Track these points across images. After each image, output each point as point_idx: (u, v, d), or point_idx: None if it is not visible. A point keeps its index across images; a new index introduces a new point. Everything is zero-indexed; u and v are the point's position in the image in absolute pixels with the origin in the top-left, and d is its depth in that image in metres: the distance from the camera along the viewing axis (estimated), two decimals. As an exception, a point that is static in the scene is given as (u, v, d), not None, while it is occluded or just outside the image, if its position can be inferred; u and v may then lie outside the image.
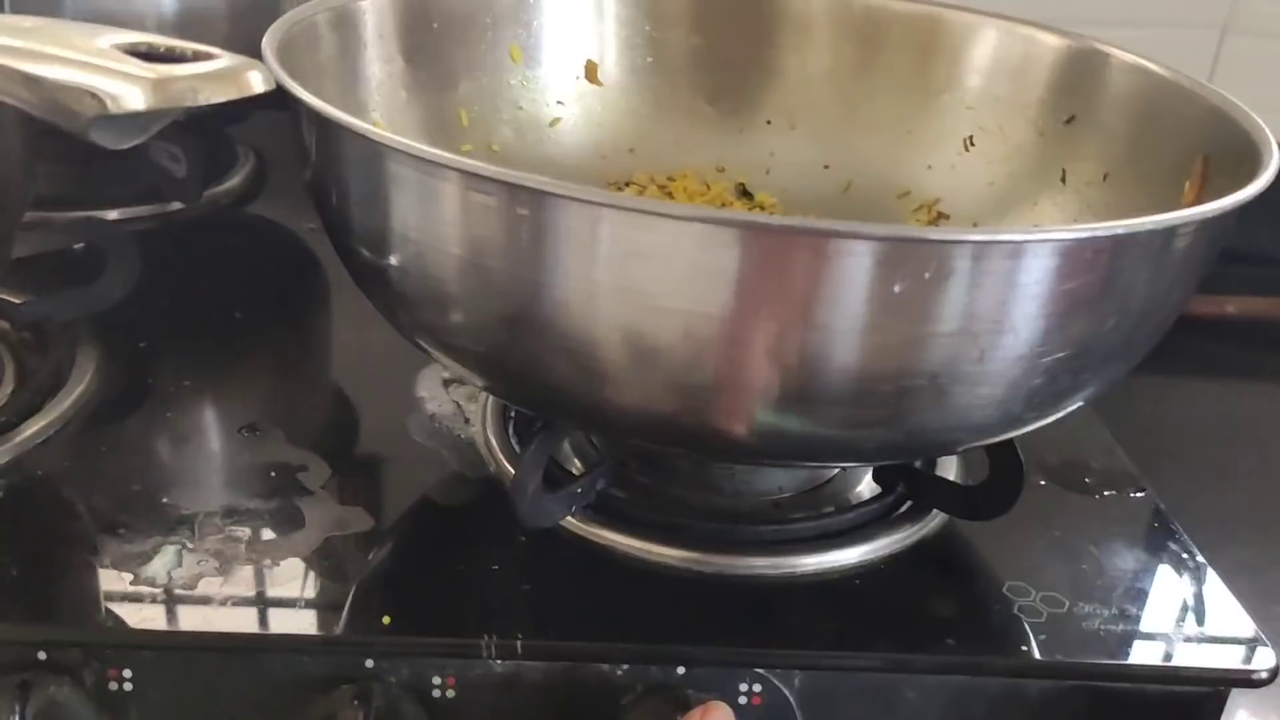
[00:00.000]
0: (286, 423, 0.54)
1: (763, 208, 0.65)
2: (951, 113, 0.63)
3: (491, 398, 0.56)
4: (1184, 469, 0.62)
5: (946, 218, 0.63)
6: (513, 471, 0.51)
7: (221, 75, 0.33)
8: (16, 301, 0.57)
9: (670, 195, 0.65)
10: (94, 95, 0.31)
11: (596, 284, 0.38)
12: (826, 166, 0.66)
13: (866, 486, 0.54)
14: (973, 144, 0.63)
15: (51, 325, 0.56)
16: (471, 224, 0.39)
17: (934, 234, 0.37)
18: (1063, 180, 0.59)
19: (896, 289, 0.34)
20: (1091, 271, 0.36)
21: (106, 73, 0.32)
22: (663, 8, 0.64)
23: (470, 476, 0.52)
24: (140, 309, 0.59)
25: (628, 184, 0.65)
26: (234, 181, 0.80)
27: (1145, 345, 0.42)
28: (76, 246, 0.66)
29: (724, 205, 0.65)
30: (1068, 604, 0.48)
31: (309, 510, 0.48)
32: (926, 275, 0.34)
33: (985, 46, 0.61)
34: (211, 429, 0.53)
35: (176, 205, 0.74)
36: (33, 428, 0.50)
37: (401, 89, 0.57)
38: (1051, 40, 0.58)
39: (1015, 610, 0.47)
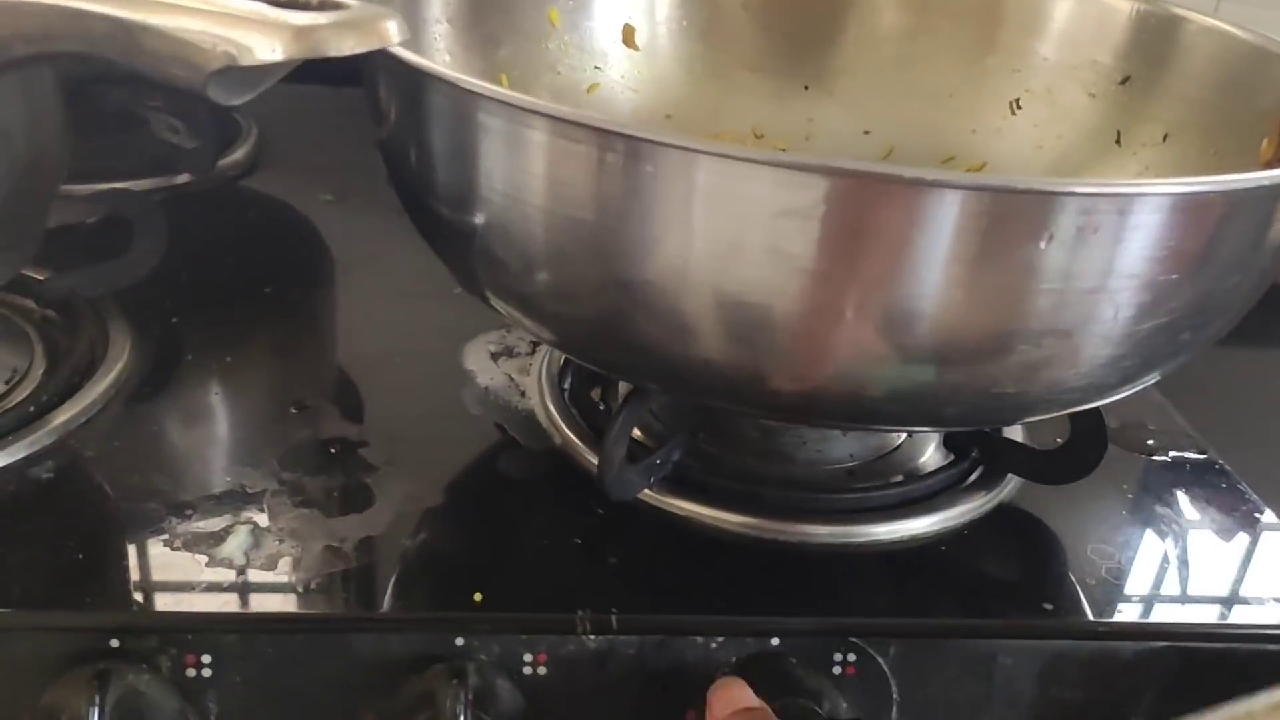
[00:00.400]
0: (337, 398, 0.52)
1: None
2: (996, 76, 0.62)
3: (545, 370, 0.55)
4: (1241, 435, 0.61)
5: (993, 182, 0.62)
6: (578, 443, 0.50)
7: (359, 24, 0.31)
8: (39, 278, 0.55)
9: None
10: (224, 46, 0.29)
11: (692, 236, 0.37)
12: (867, 132, 0.65)
13: (933, 454, 0.53)
14: (1019, 107, 0.62)
15: (79, 302, 0.54)
16: (562, 172, 0.38)
17: (1083, 186, 0.35)
18: (1118, 142, 0.58)
19: (1043, 245, 0.33)
20: (1229, 224, 0.35)
21: (239, 22, 0.30)
22: None
23: (536, 449, 0.50)
24: (165, 284, 0.57)
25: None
26: (239, 154, 0.77)
27: (1251, 302, 0.42)
28: (90, 220, 0.63)
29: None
30: (1153, 565, 0.47)
31: (377, 487, 0.46)
32: (1076, 230, 0.33)
33: (1058, 12, 0.60)
34: (262, 406, 0.51)
35: (183, 178, 0.71)
36: (74, 408, 0.47)
37: (446, 53, 0.55)
38: (1124, 5, 0.57)
39: (1103, 573, 0.46)
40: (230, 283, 0.61)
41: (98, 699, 0.37)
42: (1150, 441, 0.56)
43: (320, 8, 0.31)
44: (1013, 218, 0.33)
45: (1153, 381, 0.44)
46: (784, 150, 0.64)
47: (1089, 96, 0.60)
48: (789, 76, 0.65)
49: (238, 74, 0.30)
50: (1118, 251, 0.34)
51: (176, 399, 0.51)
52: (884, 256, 0.35)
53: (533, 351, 0.57)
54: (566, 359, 0.55)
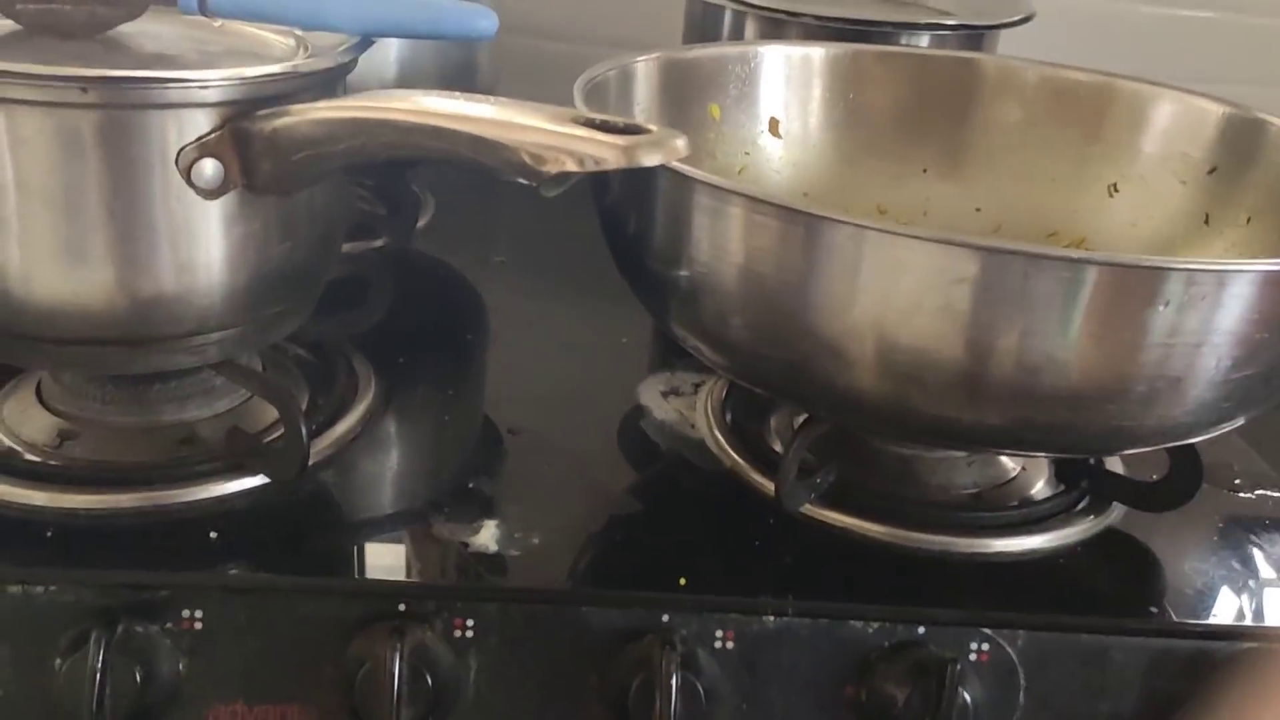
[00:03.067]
0: (543, 427, 0.62)
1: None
2: (1098, 163, 0.72)
3: (710, 406, 0.65)
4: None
5: (1093, 255, 0.72)
6: (746, 466, 0.59)
7: (659, 142, 0.42)
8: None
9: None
10: (569, 158, 0.40)
11: (858, 294, 0.47)
12: (978, 209, 0.74)
13: (1045, 485, 0.62)
14: (1116, 190, 0.71)
15: (328, 344, 0.65)
16: (753, 240, 0.49)
17: (1193, 264, 0.45)
18: (1206, 222, 0.67)
19: (1161, 308, 0.43)
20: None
21: (579, 140, 0.41)
22: (864, 78, 0.73)
23: (710, 470, 0.60)
24: (386, 330, 0.68)
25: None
26: (423, 221, 0.88)
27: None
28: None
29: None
30: (1241, 579, 0.55)
31: (592, 496, 0.56)
32: (1186, 297, 0.43)
33: (1157, 112, 0.70)
34: (485, 430, 0.62)
35: (379, 243, 0.83)
36: (342, 427, 0.58)
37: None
38: (1215, 109, 0.67)
39: (1199, 585, 0.55)
40: (435, 331, 0.73)
41: (399, 646, 0.47)
42: (1237, 480, 0.64)
43: (627, 130, 0.42)
44: (1139, 287, 0.44)
45: (1240, 423, 0.52)
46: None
47: (1180, 183, 0.69)
48: (910, 161, 0.75)
49: (566, 177, 0.41)
50: (1218, 315, 0.44)
51: (419, 422, 0.62)
52: (1033, 315, 0.45)
53: (695, 391, 0.67)
54: (727, 396, 0.65)
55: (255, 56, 0.53)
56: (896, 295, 0.46)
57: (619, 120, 0.43)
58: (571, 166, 0.40)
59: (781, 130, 0.74)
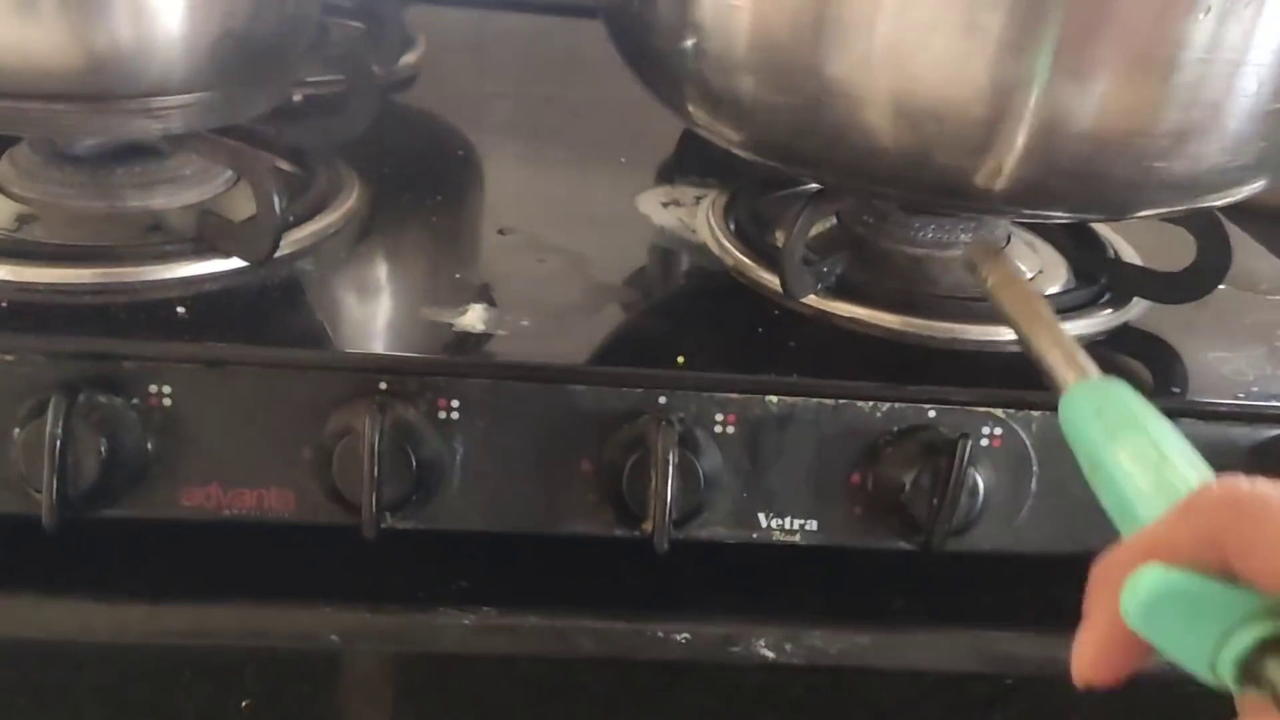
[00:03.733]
0: (535, 227, 0.59)
1: None
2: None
3: (711, 214, 0.61)
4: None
5: None
6: (749, 263, 0.56)
7: None
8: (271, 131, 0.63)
9: None
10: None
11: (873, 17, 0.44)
12: None
13: (1060, 286, 0.59)
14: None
15: (309, 153, 0.62)
16: None
17: None
18: None
19: (1201, 17, 0.39)
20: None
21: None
22: None
23: (713, 269, 0.57)
24: (371, 145, 0.65)
25: None
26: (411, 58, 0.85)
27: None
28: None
29: None
30: (1268, 367, 0.53)
31: (586, 287, 0.53)
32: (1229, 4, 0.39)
33: None
34: (473, 230, 0.59)
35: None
36: (323, 221, 0.55)
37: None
38: None
39: (1223, 371, 0.52)
40: (426, 147, 0.69)
41: (380, 421, 0.44)
42: (1263, 285, 0.61)
43: None
44: None
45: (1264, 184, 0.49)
46: None
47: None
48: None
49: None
50: (1262, 27, 0.40)
51: (405, 222, 0.59)
52: (1063, 27, 0.41)
53: (696, 203, 0.64)
54: (729, 206, 0.62)
55: None
56: (911, 17, 0.43)
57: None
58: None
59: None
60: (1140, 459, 0.33)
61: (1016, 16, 0.41)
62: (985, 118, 0.44)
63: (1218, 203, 0.50)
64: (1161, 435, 0.34)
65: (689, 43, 0.49)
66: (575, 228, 0.60)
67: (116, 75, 0.45)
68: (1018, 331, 0.42)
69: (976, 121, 0.44)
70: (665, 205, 0.64)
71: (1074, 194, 0.47)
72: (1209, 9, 0.39)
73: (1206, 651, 0.28)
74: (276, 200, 0.48)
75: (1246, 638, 0.27)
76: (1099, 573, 0.30)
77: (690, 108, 0.53)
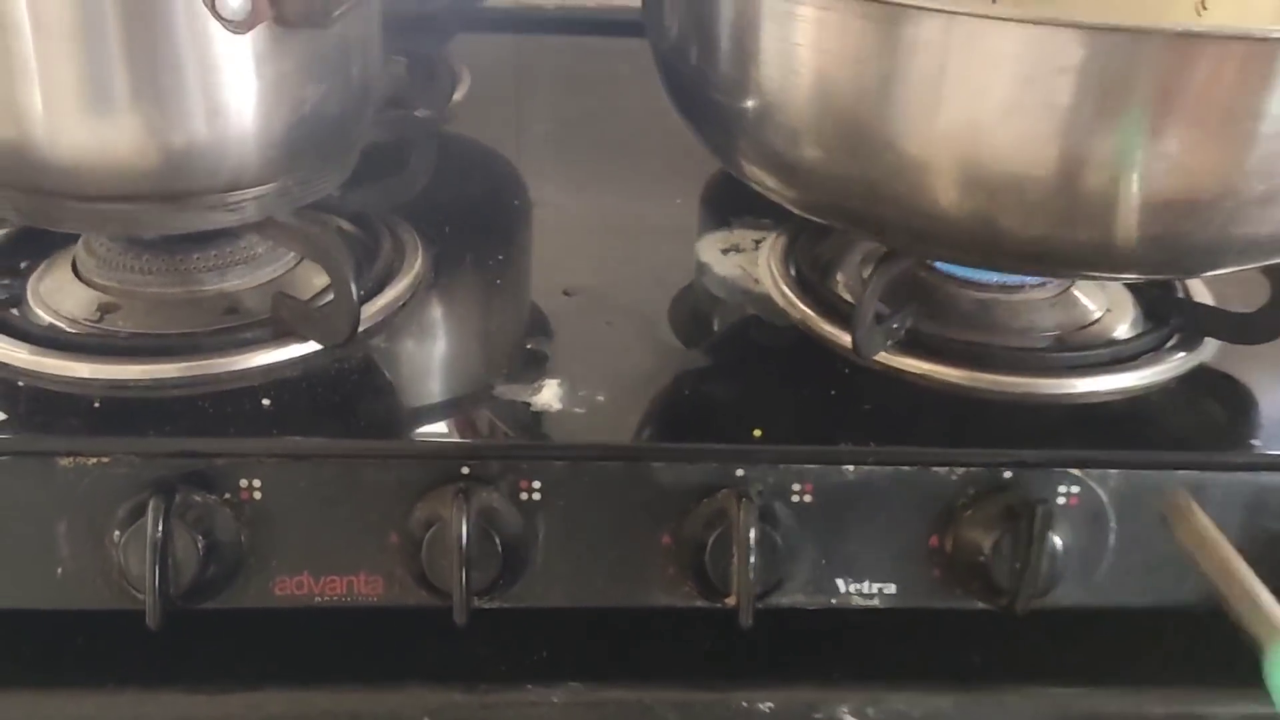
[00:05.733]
0: (599, 286, 0.59)
1: None
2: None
3: (772, 261, 0.62)
4: None
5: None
6: (816, 318, 0.56)
7: None
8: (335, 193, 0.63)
9: None
10: None
11: (945, 94, 0.43)
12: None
13: (1129, 326, 0.58)
14: (1204, 8, 0.66)
15: (375, 214, 0.62)
16: (825, 44, 0.45)
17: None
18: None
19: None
20: None
21: None
22: None
23: (779, 324, 0.57)
24: (429, 197, 0.65)
25: None
26: (459, 95, 0.85)
27: None
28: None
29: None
30: (1346, 412, 0.52)
31: (656, 352, 0.54)
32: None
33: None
34: (539, 292, 0.59)
35: (423, 112, 0.79)
36: (391, 294, 0.56)
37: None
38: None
39: (1303, 415, 0.52)
40: (480, 199, 0.70)
41: (465, 508, 0.45)
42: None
43: None
44: (1261, 61, 0.40)
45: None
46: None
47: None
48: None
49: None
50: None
51: (470, 287, 0.59)
52: (1139, 104, 0.41)
53: (756, 247, 0.64)
54: (790, 250, 0.62)
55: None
56: (990, 93, 0.42)
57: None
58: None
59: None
60: None
61: (1095, 96, 0.41)
62: (1061, 190, 0.44)
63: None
64: None
65: (750, 103, 0.48)
66: (639, 284, 0.60)
67: (192, 173, 0.46)
68: (1213, 587, 0.43)
69: (1052, 193, 0.44)
70: (725, 252, 0.64)
71: (1151, 258, 0.47)
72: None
73: None
74: (353, 287, 0.49)
75: None
76: None
77: (745, 164, 0.53)
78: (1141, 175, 0.42)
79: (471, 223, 0.66)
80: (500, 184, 0.74)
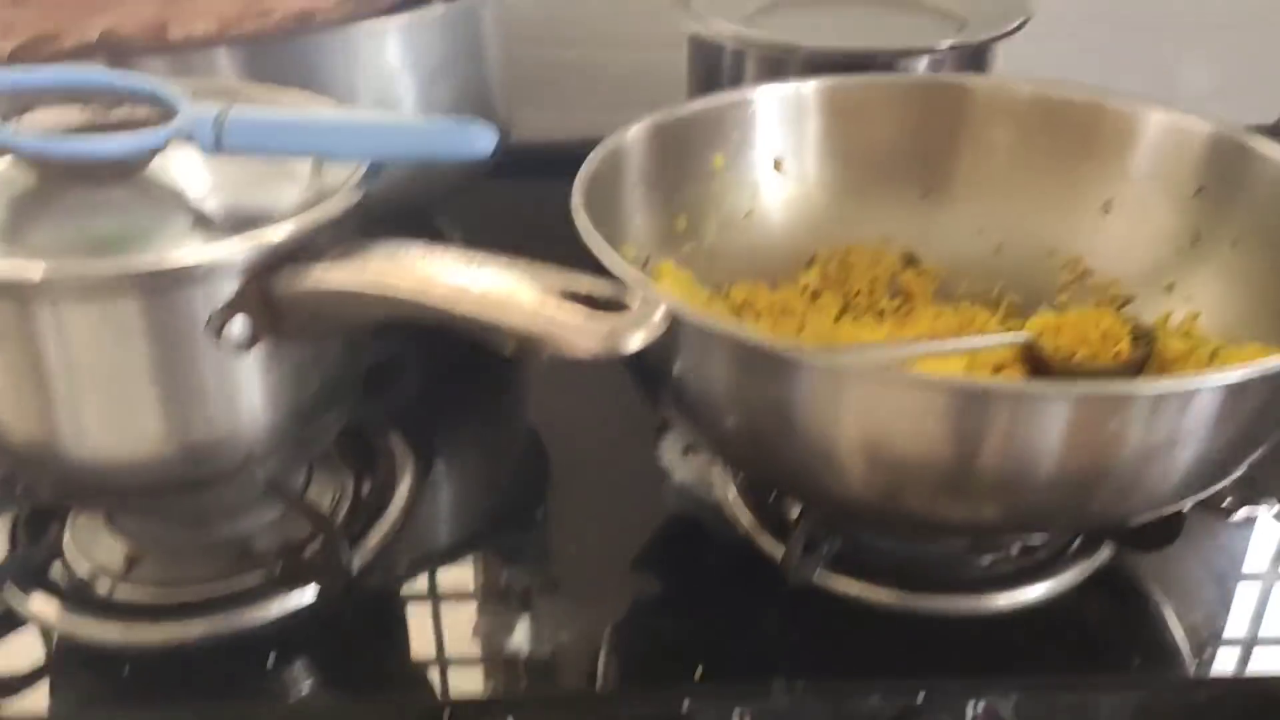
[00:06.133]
0: (575, 497, 0.68)
1: (925, 273, 0.76)
2: (1090, 182, 0.74)
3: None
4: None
5: (1090, 273, 0.74)
6: (758, 528, 0.64)
7: (638, 322, 0.43)
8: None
9: (849, 268, 0.76)
10: (557, 344, 0.43)
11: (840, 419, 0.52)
12: (980, 231, 0.76)
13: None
14: (1110, 209, 0.73)
15: (370, 425, 0.69)
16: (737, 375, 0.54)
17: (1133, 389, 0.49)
18: (1195, 243, 0.69)
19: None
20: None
21: (567, 328, 0.43)
22: (857, 108, 0.76)
23: (726, 537, 0.65)
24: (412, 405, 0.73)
25: (811, 260, 0.76)
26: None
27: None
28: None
29: (894, 274, 0.76)
30: (1223, 622, 0.59)
31: (619, 576, 0.62)
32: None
33: (1143, 131, 0.71)
34: (523, 508, 0.68)
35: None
36: (384, 528, 0.63)
37: (637, 213, 0.69)
38: (1202, 128, 0.69)
39: (1182, 632, 0.59)
40: (455, 400, 0.77)
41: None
42: (1225, 501, 0.67)
43: (609, 306, 0.44)
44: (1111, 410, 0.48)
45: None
46: (909, 252, 0.77)
47: (1169, 202, 0.71)
48: (910, 186, 0.77)
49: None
50: (1188, 419, 0.48)
51: (459, 489, 0.69)
52: (1011, 439, 0.49)
53: (713, 444, 0.71)
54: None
55: (277, 180, 0.56)
56: (876, 422, 0.50)
57: (603, 292, 0.46)
58: (550, 349, 0.43)
59: (785, 169, 0.77)
60: None
61: (965, 432, 0.49)
62: (951, 489, 0.51)
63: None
64: None
65: (678, 397, 0.56)
66: (610, 497, 0.68)
67: (209, 464, 0.53)
68: None
69: (943, 491, 0.51)
70: (685, 454, 0.71)
71: (1038, 528, 0.54)
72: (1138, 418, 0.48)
73: None
74: (342, 552, 0.57)
75: None
76: None
77: (672, 413, 0.60)
78: (1017, 479, 0.50)
79: (457, 422, 0.73)
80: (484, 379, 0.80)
